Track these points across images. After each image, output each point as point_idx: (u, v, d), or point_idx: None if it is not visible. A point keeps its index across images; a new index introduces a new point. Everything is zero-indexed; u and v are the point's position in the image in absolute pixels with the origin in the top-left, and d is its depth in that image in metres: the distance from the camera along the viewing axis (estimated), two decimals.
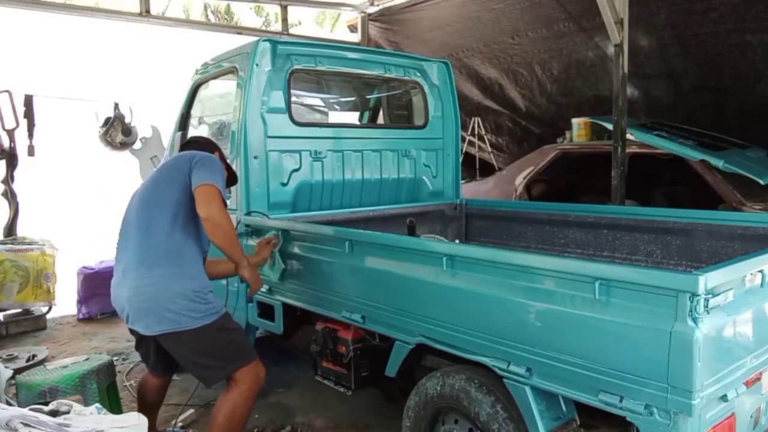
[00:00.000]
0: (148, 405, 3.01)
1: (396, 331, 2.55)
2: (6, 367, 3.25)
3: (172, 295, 2.52)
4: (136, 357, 4.37)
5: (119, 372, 3.99)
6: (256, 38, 3.64)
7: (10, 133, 5.84)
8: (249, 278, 2.84)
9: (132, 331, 2.75)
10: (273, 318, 3.32)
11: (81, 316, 5.93)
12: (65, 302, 5.93)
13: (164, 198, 2.65)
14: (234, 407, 2.66)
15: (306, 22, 14.35)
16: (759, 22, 4.91)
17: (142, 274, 2.55)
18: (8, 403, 2.56)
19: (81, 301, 5.95)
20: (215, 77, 4.06)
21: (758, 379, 1.97)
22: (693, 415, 1.64)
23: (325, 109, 5.22)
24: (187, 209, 2.64)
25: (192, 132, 4.20)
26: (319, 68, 3.85)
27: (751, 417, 2.06)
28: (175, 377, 4.06)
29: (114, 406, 3.18)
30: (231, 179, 3.11)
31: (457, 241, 4.36)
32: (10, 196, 5.91)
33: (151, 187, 2.76)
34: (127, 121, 6.62)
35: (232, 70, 3.72)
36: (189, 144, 3.10)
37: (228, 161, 3.16)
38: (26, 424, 1.83)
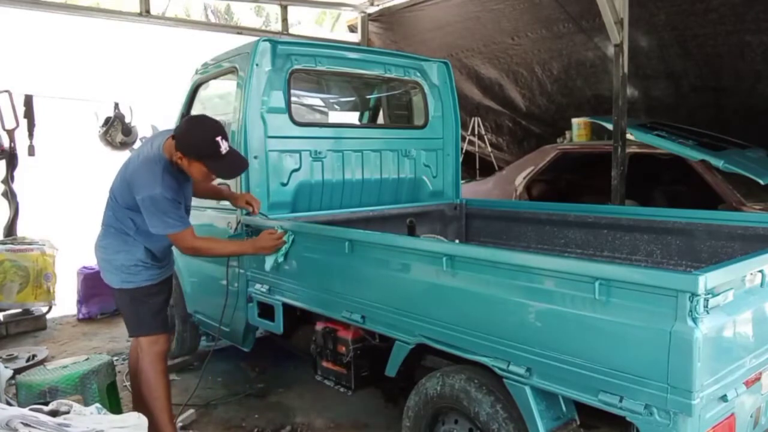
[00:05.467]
0: (135, 375, 3.23)
1: (396, 331, 2.55)
2: (6, 367, 3.25)
3: (108, 259, 3.05)
4: None
5: (119, 372, 3.98)
6: (256, 38, 3.64)
7: (10, 133, 5.84)
8: (269, 248, 3.12)
9: None
10: (273, 318, 3.31)
11: (81, 316, 5.93)
12: (65, 302, 5.93)
13: (122, 188, 2.93)
14: (140, 368, 3.09)
15: (306, 22, 14.32)
16: (759, 23, 4.92)
17: (99, 235, 3.10)
18: (8, 403, 2.56)
19: (81, 301, 5.95)
20: (215, 77, 4.06)
21: (758, 379, 1.97)
22: (693, 415, 1.64)
23: (325, 109, 5.22)
24: (133, 208, 2.90)
25: None
26: (319, 68, 3.85)
27: (751, 417, 2.06)
28: (174, 377, 4.08)
29: (114, 406, 3.18)
30: (228, 168, 2.93)
31: (457, 241, 4.36)
32: (10, 196, 5.90)
33: (125, 170, 2.95)
34: (127, 121, 6.62)
35: (232, 70, 3.72)
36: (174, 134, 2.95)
37: (225, 149, 2.82)
38: (26, 424, 1.84)
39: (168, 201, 2.79)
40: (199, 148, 2.79)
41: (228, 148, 2.83)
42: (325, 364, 3.05)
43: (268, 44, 3.57)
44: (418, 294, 2.43)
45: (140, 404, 3.15)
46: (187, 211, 3.05)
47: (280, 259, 3.14)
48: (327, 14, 14.70)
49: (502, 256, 2.19)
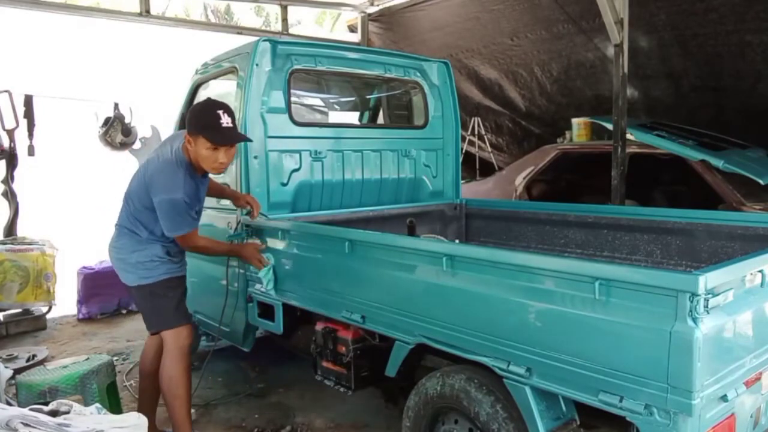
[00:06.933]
0: (146, 375, 3.23)
1: (396, 331, 2.55)
2: (6, 367, 3.25)
3: (123, 258, 3.07)
4: (136, 357, 4.37)
5: (119, 372, 3.99)
6: (256, 38, 3.64)
7: (10, 133, 5.85)
8: (249, 257, 3.21)
9: None
10: (273, 318, 3.32)
11: (81, 316, 5.93)
12: (65, 302, 5.93)
13: (140, 190, 2.96)
14: (164, 364, 3.06)
15: (306, 22, 14.33)
16: (759, 23, 4.92)
17: (113, 235, 3.12)
18: (8, 403, 2.56)
19: (81, 301, 5.95)
20: (215, 77, 4.06)
21: (758, 378, 1.97)
22: (693, 415, 1.64)
23: (325, 109, 5.22)
24: (150, 209, 2.91)
25: None
26: (319, 68, 3.84)
27: (751, 417, 2.06)
28: None
29: (114, 406, 3.19)
30: (227, 137, 2.88)
31: (457, 241, 4.36)
32: (10, 196, 5.91)
33: (145, 171, 2.97)
34: (126, 121, 6.64)
35: (232, 70, 3.71)
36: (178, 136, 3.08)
37: (227, 123, 2.85)
38: (26, 424, 1.83)
39: (186, 205, 2.84)
40: (204, 119, 2.85)
41: (230, 125, 2.84)
42: (325, 364, 3.05)
43: (268, 44, 3.57)
44: (418, 294, 2.43)
45: (143, 403, 3.17)
46: (199, 213, 3.07)
47: (269, 287, 3.18)
48: (327, 14, 14.72)
49: (502, 256, 2.19)
